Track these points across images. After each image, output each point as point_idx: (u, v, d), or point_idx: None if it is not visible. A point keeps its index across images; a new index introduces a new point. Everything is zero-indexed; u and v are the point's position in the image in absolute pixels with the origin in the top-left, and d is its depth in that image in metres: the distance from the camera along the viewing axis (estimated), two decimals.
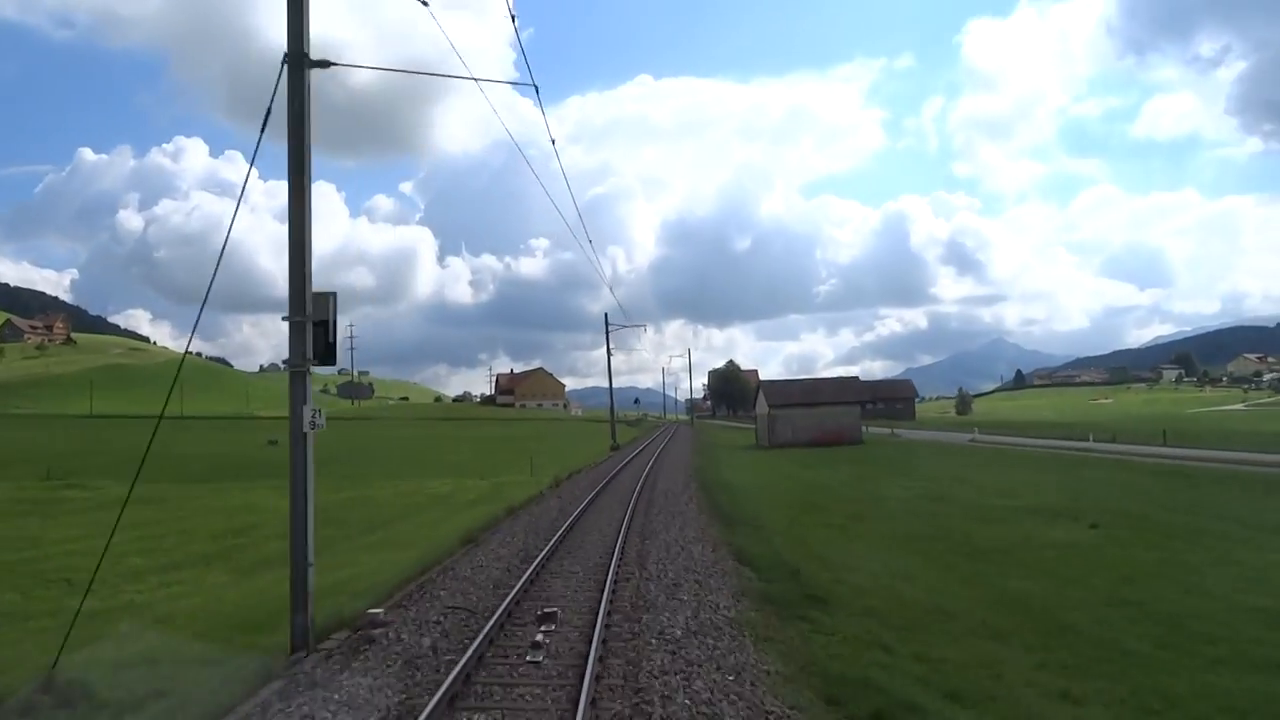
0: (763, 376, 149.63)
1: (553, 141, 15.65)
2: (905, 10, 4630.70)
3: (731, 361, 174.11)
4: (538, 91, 13.17)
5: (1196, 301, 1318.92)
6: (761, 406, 75.41)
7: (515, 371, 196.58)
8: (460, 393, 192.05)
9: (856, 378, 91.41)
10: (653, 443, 64.79)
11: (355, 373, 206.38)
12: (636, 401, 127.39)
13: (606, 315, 54.70)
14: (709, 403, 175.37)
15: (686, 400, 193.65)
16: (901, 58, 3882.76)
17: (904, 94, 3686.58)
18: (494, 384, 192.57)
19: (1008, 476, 32.83)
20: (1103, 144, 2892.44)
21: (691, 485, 28.86)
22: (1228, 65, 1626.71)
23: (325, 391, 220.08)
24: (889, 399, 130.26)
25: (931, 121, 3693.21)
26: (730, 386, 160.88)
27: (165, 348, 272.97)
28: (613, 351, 53.76)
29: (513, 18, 12.18)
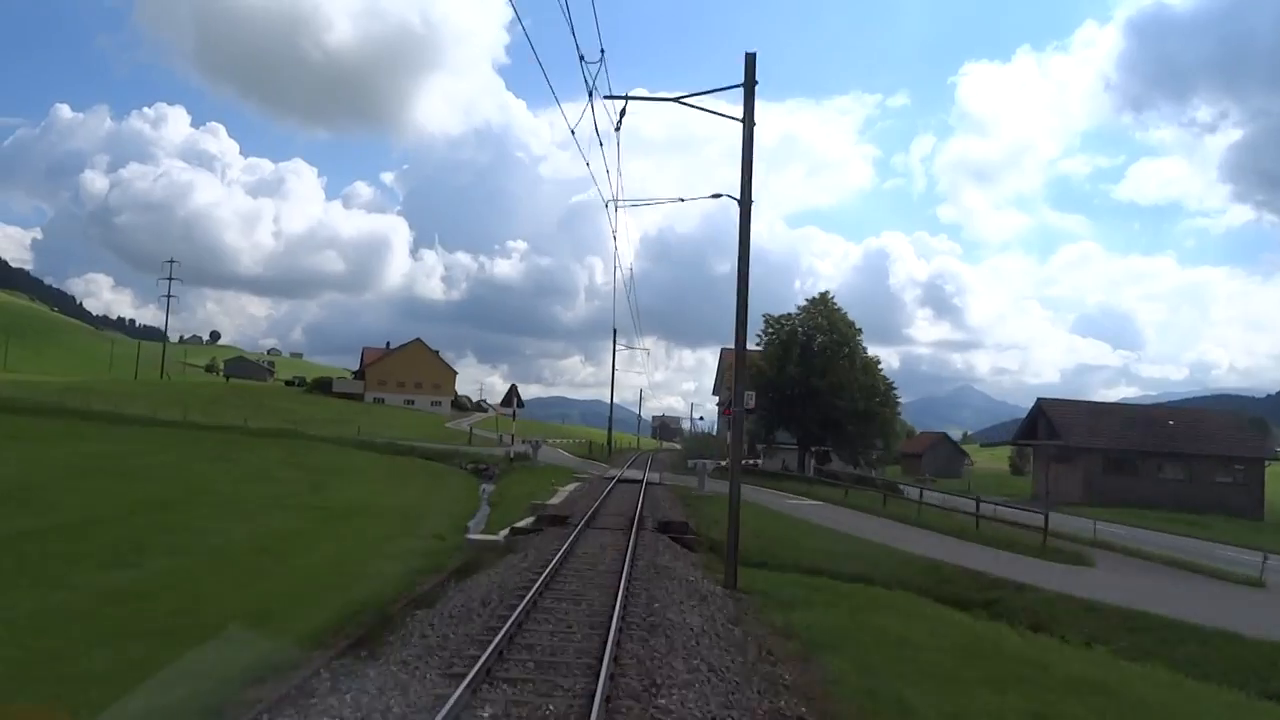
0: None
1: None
2: (904, 46, 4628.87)
3: (825, 295, 52.24)
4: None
5: (1165, 367, 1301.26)
6: None
7: (391, 345, 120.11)
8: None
9: None
10: None
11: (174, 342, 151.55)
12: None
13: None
14: (715, 425, 72.26)
15: (654, 419, 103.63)
16: (897, 95, 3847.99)
17: (896, 131, 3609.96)
18: (360, 362, 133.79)
19: None
20: (1087, 202, 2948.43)
21: None
22: (1223, 131, 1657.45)
23: (210, 369, 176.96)
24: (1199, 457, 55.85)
25: (920, 161, 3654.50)
26: (810, 394, 48.24)
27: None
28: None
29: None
